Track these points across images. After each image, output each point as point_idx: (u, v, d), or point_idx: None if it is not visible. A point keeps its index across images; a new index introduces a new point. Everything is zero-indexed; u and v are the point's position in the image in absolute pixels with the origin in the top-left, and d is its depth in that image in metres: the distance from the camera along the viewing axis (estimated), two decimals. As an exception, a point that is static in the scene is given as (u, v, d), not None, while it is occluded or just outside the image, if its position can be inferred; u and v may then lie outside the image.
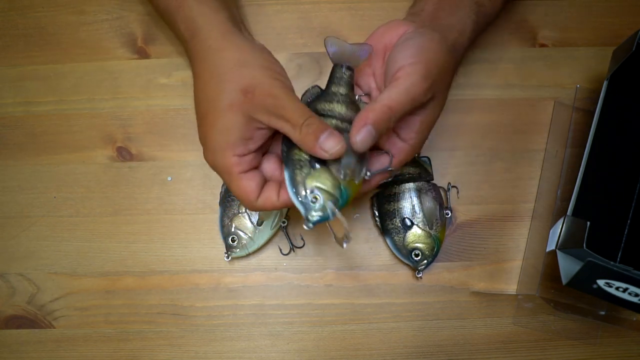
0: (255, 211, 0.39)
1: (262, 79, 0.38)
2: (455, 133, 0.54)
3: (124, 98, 0.54)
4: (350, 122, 0.39)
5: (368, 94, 0.44)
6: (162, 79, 0.54)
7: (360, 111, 0.37)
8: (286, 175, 0.38)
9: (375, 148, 0.40)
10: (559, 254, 0.43)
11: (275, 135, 0.41)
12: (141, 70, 0.54)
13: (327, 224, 0.37)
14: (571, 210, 0.44)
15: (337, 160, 0.37)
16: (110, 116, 0.54)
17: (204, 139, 0.40)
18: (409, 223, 0.51)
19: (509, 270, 0.53)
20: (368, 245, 0.53)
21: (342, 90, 0.40)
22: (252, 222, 0.50)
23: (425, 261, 0.50)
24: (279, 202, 0.39)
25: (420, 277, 0.51)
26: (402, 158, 0.40)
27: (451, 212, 0.53)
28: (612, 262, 0.40)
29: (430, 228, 0.51)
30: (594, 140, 0.46)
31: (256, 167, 0.40)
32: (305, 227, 0.37)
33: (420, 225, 0.51)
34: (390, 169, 0.40)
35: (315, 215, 0.36)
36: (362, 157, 0.38)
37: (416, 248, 0.50)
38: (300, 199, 0.37)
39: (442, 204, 0.52)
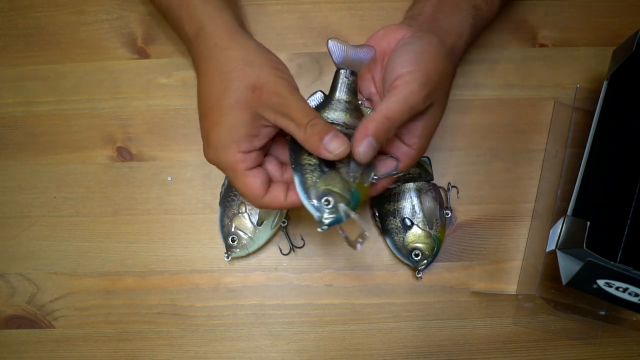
0: (262, 208, 0.39)
1: (268, 78, 0.38)
2: (455, 133, 0.54)
3: (124, 98, 0.54)
4: (354, 128, 0.39)
5: (369, 99, 0.44)
6: (162, 79, 0.54)
7: (360, 122, 0.37)
8: (296, 180, 0.38)
9: (381, 152, 0.40)
10: (559, 254, 0.43)
11: (275, 138, 0.41)
12: (141, 70, 0.54)
13: (338, 227, 0.37)
14: (571, 210, 0.44)
15: (345, 164, 0.37)
16: (110, 116, 0.54)
17: (207, 137, 0.40)
18: (409, 223, 0.51)
19: (509, 270, 0.53)
20: (368, 245, 0.53)
21: (345, 97, 0.40)
22: (252, 222, 0.51)
23: (425, 261, 0.50)
24: (287, 202, 0.39)
25: (420, 277, 0.52)
26: (408, 162, 0.41)
27: (451, 212, 0.53)
28: (612, 262, 0.40)
29: (430, 228, 0.51)
30: (594, 140, 0.46)
31: (260, 165, 0.40)
32: (319, 229, 0.37)
33: (420, 225, 0.51)
34: (396, 172, 0.40)
35: (328, 217, 0.36)
36: (369, 162, 0.38)
37: (416, 248, 0.50)
38: (312, 202, 0.37)
39: (442, 204, 0.52)
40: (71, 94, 0.54)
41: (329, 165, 0.38)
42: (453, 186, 0.53)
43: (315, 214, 0.37)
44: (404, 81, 0.37)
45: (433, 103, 0.39)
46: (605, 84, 0.48)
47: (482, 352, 0.52)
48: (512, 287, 0.52)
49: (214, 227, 0.52)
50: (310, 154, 0.38)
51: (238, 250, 0.50)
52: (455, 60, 0.44)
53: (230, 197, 0.51)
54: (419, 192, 0.51)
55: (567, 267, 0.43)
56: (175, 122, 0.54)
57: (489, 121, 0.54)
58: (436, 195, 0.51)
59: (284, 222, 0.52)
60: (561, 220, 0.44)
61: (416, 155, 0.41)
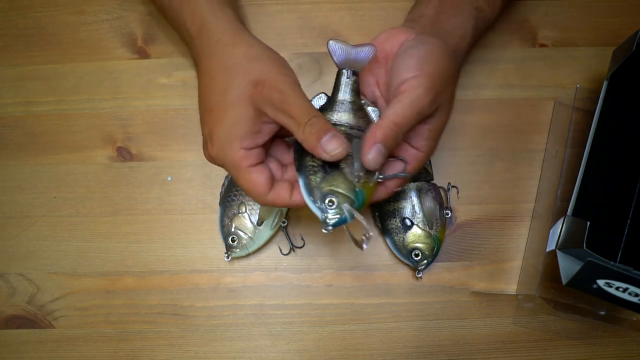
0: (266, 205, 0.39)
1: (270, 74, 0.38)
2: (455, 133, 0.54)
3: (124, 98, 0.54)
4: (359, 128, 0.39)
5: (374, 103, 0.44)
6: (162, 79, 0.54)
7: (368, 129, 0.37)
8: (301, 181, 0.38)
9: (390, 156, 0.40)
10: (559, 254, 0.43)
11: (275, 137, 0.41)
12: (141, 70, 0.54)
13: (345, 227, 0.37)
14: (571, 210, 0.44)
15: (349, 164, 0.37)
16: (110, 116, 0.54)
17: (210, 134, 0.39)
18: (409, 223, 0.51)
19: (509, 270, 0.53)
20: (368, 245, 0.53)
21: (348, 97, 0.40)
22: (252, 222, 0.51)
23: (425, 261, 0.50)
24: (292, 200, 0.39)
25: (420, 277, 0.51)
26: (416, 165, 0.41)
27: (451, 212, 0.53)
28: (612, 262, 0.40)
29: (430, 228, 0.51)
30: (594, 140, 0.46)
31: (263, 162, 0.40)
32: (324, 230, 0.37)
33: (420, 225, 0.51)
34: (404, 174, 0.40)
35: (332, 218, 0.36)
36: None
37: (416, 248, 0.50)
38: (316, 203, 0.37)
39: (442, 204, 0.52)
40: (71, 94, 0.54)
41: (332, 165, 0.38)
42: (453, 186, 0.53)
43: (320, 215, 0.37)
44: (409, 86, 0.37)
45: (439, 106, 0.39)
46: (605, 84, 0.48)
47: (482, 352, 0.52)
48: (512, 287, 0.52)
49: (214, 227, 0.52)
50: (314, 155, 0.38)
51: (238, 250, 0.50)
52: (458, 62, 0.44)
53: (230, 197, 0.51)
54: (419, 192, 0.51)
55: (567, 267, 0.43)
56: (175, 122, 0.54)
57: (489, 121, 0.54)
58: (436, 195, 0.51)
59: (284, 222, 0.52)
60: (561, 220, 0.44)
61: (424, 158, 0.41)
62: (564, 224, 0.44)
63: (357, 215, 0.36)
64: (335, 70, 0.41)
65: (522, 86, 0.54)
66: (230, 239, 0.50)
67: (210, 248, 0.52)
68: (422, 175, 0.51)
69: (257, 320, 0.52)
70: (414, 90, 0.37)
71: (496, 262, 0.53)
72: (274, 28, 0.55)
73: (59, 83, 0.54)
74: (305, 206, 0.38)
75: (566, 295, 0.49)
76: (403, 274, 0.52)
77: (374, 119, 0.41)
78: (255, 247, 0.51)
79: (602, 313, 0.49)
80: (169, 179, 0.53)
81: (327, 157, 0.36)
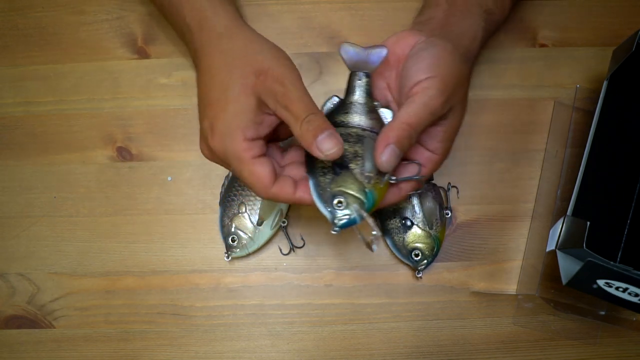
0: (269, 199, 0.38)
1: (274, 65, 0.38)
2: (455, 133, 0.54)
3: (124, 98, 0.54)
4: (371, 130, 0.39)
5: (387, 107, 0.44)
6: (162, 79, 0.54)
7: (381, 130, 0.37)
8: (310, 182, 0.38)
9: (404, 159, 0.40)
10: (559, 254, 0.43)
11: (269, 144, 0.41)
12: (141, 70, 0.54)
13: (355, 228, 0.37)
14: (571, 210, 0.44)
15: (360, 164, 0.37)
16: (110, 116, 0.54)
17: (211, 126, 0.39)
18: (409, 223, 0.51)
19: (509, 270, 0.53)
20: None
21: (360, 99, 0.40)
22: (252, 222, 0.51)
23: (425, 261, 0.50)
24: (295, 197, 0.38)
25: (420, 277, 0.52)
26: (432, 167, 0.41)
27: (451, 212, 0.53)
28: (612, 262, 0.40)
29: (430, 228, 0.51)
30: (594, 140, 0.46)
31: (265, 155, 0.39)
32: (332, 232, 0.36)
33: (420, 225, 0.51)
34: (419, 177, 0.40)
35: (341, 219, 0.36)
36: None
37: (416, 248, 0.50)
38: (325, 204, 0.37)
39: (442, 204, 0.52)
40: (71, 94, 0.54)
41: (342, 166, 0.37)
42: (453, 186, 0.53)
43: (328, 216, 0.37)
44: (422, 87, 0.37)
45: (452, 107, 0.39)
46: (605, 84, 0.48)
47: (482, 352, 0.52)
48: (512, 287, 0.52)
49: (214, 227, 0.52)
50: None
51: (238, 250, 0.50)
52: (470, 64, 0.44)
53: (230, 197, 0.51)
54: (419, 192, 0.51)
55: (567, 267, 0.43)
56: (175, 122, 0.54)
57: (489, 121, 0.54)
58: (436, 195, 0.51)
59: (284, 222, 0.52)
60: (561, 220, 0.44)
61: (439, 161, 0.41)
62: (564, 224, 0.44)
63: (367, 218, 0.36)
64: (345, 72, 0.41)
65: (522, 86, 0.54)
66: (230, 239, 0.50)
67: (210, 248, 0.52)
68: (422, 175, 0.51)
69: (257, 320, 0.52)
70: (427, 92, 0.37)
71: (496, 262, 0.53)
72: (274, 28, 0.55)
73: (59, 83, 0.54)
74: (308, 204, 0.38)
75: (566, 295, 0.49)
76: (403, 274, 0.52)
77: (387, 120, 0.40)
78: (255, 247, 0.51)
79: (602, 313, 0.49)
80: (169, 179, 0.53)
81: (321, 156, 0.36)
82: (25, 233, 0.53)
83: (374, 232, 0.36)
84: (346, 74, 0.55)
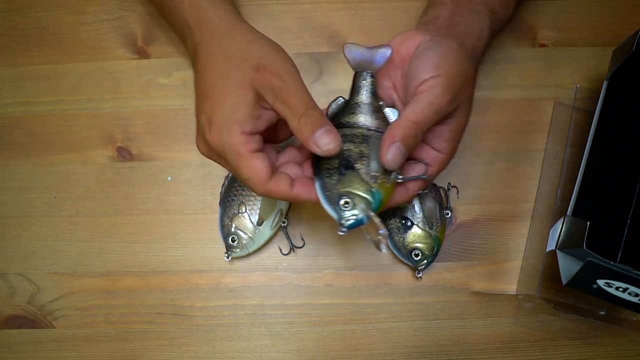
0: (264, 195, 0.38)
1: (273, 60, 0.38)
2: (455, 133, 0.54)
3: (124, 98, 0.54)
4: (376, 130, 0.39)
5: (392, 106, 0.43)
6: (162, 79, 0.54)
7: (387, 128, 0.37)
8: (317, 184, 0.38)
9: (411, 159, 0.40)
10: (559, 254, 0.43)
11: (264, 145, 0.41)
12: (141, 70, 0.54)
13: (363, 229, 0.37)
14: (571, 210, 0.44)
15: (365, 164, 0.37)
16: (110, 116, 0.54)
17: (208, 120, 0.38)
18: (409, 223, 0.51)
19: (509, 270, 0.53)
20: (368, 245, 0.53)
21: (365, 99, 0.40)
22: (252, 222, 0.51)
23: (425, 261, 0.50)
24: (292, 193, 0.38)
25: (420, 277, 0.52)
26: (439, 167, 0.41)
27: (451, 212, 0.53)
28: (612, 262, 0.40)
29: (430, 228, 0.51)
30: (594, 140, 0.46)
31: (262, 151, 0.39)
32: (339, 232, 0.36)
33: (420, 225, 0.51)
34: (426, 177, 0.40)
35: (348, 219, 0.36)
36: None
37: (416, 248, 0.50)
38: (332, 205, 0.37)
39: (442, 204, 0.52)
40: (71, 94, 0.54)
41: (348, 167, 0.37)
42: (453, 186, 0.53)
43: (335, 217, 0.37)
44: (428, 86, 0.37)
45: (459, 106, 0.39)
46: (605, 84, 0.48)
47: (482, 352, 0.52)
48: (512, 287, 0.52)
49: (214, 227, 0.52)
50: (329, 158, 0.38)
51: (238, 250, 0.50)
52: (475, 63, 0.44)
53: (230, 197, 0.51)
54: (419, 192, 0.51)
55: (567, 267, 0.43)
56: (175, 122, 0.54)
57: (489, 121, 0.54)
58: (436, 195, 0.52)
59: (284, 222, 0.52)
60: (561, 220, 0.44)
61: (446, 160, 0.41)
62: (564, 224, 0.44)
63: (374, 218, 0.36)
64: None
65: (522, 86, 0.54)
66: (230, 239, 0.50)
67: (210, 248, 0.52)
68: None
69: (257, 320, 0.52)
70: (433, 90, 0.37)
71: (496, 262, 0.53)
72: (274, 28, 0.55)
73: (59, 83, 0.54)
74: (304, 201, 0.38)
75: (566, 295, 0.49)
76: (403, 274, 0.52)
77: (393, 120, 0.40)
78: (255, 247, 0.51)
79: (602, 313, 0.49)
80: (169, 179, 0.53)
81: (319, 151, 0.36)
82: (25, 233, 0.53)
83: (381, 232, 0.36)
84: (346, 74, 0.55)
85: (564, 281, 0.43)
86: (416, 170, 0.40)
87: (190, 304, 0.52)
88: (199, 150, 0.41)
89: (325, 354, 0.51)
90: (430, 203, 0.51)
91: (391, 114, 0.40)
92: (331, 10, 0.55)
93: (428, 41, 0.40)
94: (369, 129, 0.39)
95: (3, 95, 0.54)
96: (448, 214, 0.52)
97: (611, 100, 0.47)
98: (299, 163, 0.41)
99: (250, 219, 0.51)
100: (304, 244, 0.53)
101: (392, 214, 0.51)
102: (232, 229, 0.50)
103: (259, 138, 0.39)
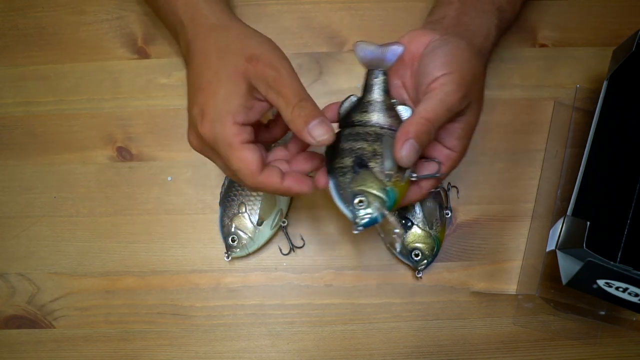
0: (255, 187, 0.38)
1: (266, 51, 0.38)
2: (455, 133, 0.54)
3: (124, 98, 0.54)
4: (389, 128, 0.39)
5: (404, 104, 0.44)
6: (162, 79, 0.54)
7: (400, 126, 0.37)
8: (330, 183, 0.38)
9: (423, 157, 0.40)
10: (559, 254, 0.43)
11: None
12: (141, 70, 0.54)
13: (377, 227, 0.37)
14: (571, 210, 0.44)
15: (379, 162, 0.37)
16: (110, 116, 0.54)
17: (201, 111, 0.38)
18: (409, 223, 0.51)
19: (509, 270, 0.53)
20: (368, 245, 0.53)
21: (378, 97, 0.40)
22: (252, 222, 0.51)
23: (425, 261, 0.50)
24: (283, 186, 0.38)
25: (420, 277, 0.52)
26: (451, 164, 0.41)
27: (451, 212, 0.53)
28: (612, 262, 0.40)
29: (430, 228, 0.51)
30: (594, 140, 0.46)
31: (254, 143, 0.39)
32: (354, 231, 0.36)
33: (420, 225, 0.51)
34: (438, 175, 0.40)
35: (363, 218, 0.36)
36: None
37: (416, 248, 0.50)
38: (346, 204, 0.37)
39: (442, 204, 0.52)
40: (71, 94, 0.54)
41: (362, 165, 0.37)
42: (453, 186, 0.53)
43: (350, 216, 0.37)
44: (439, 83, 0.37)
45: (470, 104, 0.39)
46: (605, 84, 0.48)
47: (482, 352, 0.52)
48: (512, 287, 0.52)
49: (214, 227, 0.52)
50: (343, 157, 0.38)
51: (238, 250, 0.50)
52: (484, 61, 0.44)
53: (230, 197, 0.51)
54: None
55: (567, 267, 0.43)
56: (175, 122, 0.54)
57: (489, 121, 0.54)
58: (436, 195, 0.52)
59: (284, 222, 0.52)
60: (561, 220, 0.44)
61: (458, 158, 0.41)
62: (564, 224, 0.44)
63: (389, 216, 0.36)
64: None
65: (522, 86, 0.54)
66: (230, 239, 0.50)
67: (210, 248, 0.52)
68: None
69: (257, 320, 0.52)
70: (445, 87, 0.37)
71: (496, 262, 0.53)
72: (274, 28, 0.55)
73: (59, 83, 0.54)
74: (295, 194, 0.38)
75: (566, 295, 0.49)
76: (403, 274, 0.52)
77: (405, 118, 0.40)
78: (255, 247, 0.51)
79: (602, 313, 0.49)
80: (169, 179, 0.53)
81: (313, 142, 0.36)
82: (25, 233, 0.53)
83: (396, 231, 0.36)
84: (346, 73, 0.55)
85: (564, 281, 0.43)
86: (429, 168, 0.40)
87: (190, 304, 0.52)
88: (191, 144, 0.41)
89: (325, 354, 0.51)
90: (430, 203, 0.51)
91: (404, 111, 0.40)
92: (331, 10, 0.55)
93: (437, 40, 0.41)
94: (382, 127, 0.39)
95: (3, 95, 0.54)
96: (448, 214, 0.52)
97: (611, 100, 0.47)
98: (287, 161, 0.42)
99: (250, 219, 0.51)
100: (304, 244, 0.53)
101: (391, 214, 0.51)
102: (232, 229, 0.50)
103: (251, 129, 0.39)
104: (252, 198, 0.51)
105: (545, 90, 0.54)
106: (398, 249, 0.36)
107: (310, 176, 0.40)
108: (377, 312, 0.52)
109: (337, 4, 0.55)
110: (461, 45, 0.40)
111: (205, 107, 0.38)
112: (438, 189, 0.52)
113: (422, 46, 0.41)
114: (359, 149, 0.38)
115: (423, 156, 0.40)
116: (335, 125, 0.41)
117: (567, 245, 0.43)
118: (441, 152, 0.41)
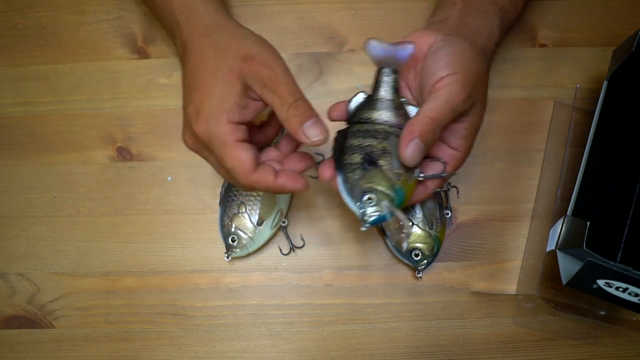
0: (249, 186, 0.38)
1: (261, 51, 0.39)
2: (455, 133, 0.54)
3: (124, 98, 0.54)
4: (398, 126, 0.39)
5: (413, 104, 0.44)
6: (162, 79, 0.54)
7: (405, 125, 0.37)
8: (339, 179, 0.38)
9: (428, 157, 0.41)
10: (559, 254, 0.43)
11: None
12: (141, 70, 0.54)
13: (386, 226, 0.37)
14: (571, 210, 0.44)
15: (388, 161, 0.37)
16: (110, 116, 0.54)
17: (196, 110, 0.38)
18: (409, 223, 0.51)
19: (509, 270, 0.53)
20: (368, 245, 0.53)
21: (387, 95, 0.40)
22: (252, 222, 0.51)
23: (425, 261, 0.50)
24: (277, 184, 0.38)
25: (420, 277, 0.52)
26: (455, 164, 0.41)
27: (451, 212, 0.53)
28: (612, 262, 0.40)
29: (430, 228, 0.51)
30: (594, 140, 0.46)
31: (248, 142, 0.39)
32: (362, 228, 0.36)
33: (420, 225, 0.51)
34: (445, 175, 0.40)
35: (371, 215, 0.36)
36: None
37: (416, 248, 0.50)
38: (355, 200, 0.37)
39: (442, 204, 0.52)
40: (71, 94, 0.54)
41: (371, 163, 0.38)
42: (453, 186, 0.53)
43: (358, 213, 0.37)
44: (444, 83, 0.38)
45: (474, 104, 0.39)
46: (605, 84, 0.48)
47: (482, 352, 0.52)
48: (512, 287, 0.52)
49: (214, 227, 0.52)
50: (352, 153, 0.38)
51: (238, 250, 0.50)
52: (487, 61, 0.44)
53: (230, 197, 0.51)
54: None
55: (567, 267, 0.43)
56: (176, 122, 0.54)
57: (489, 121, 0.54)
58: (436, 196, 0.52)
59: (284, 222, 0.52)
60: (561, 220, 0.44)
61: (462, 158, 0.41)
62: (564, 224, 0.44)
63: (398, 214, 0.36)
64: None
65: (522, 86, 0.54)
66: (230, 239, 0.50)
67: (210, 248, 0.52)
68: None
69: (257, 320, 0.52)
70: (449, 87, 0.37)
71: (496, 262, 0.53)
72: (274, 28, 0.55)
73: (59, 83, 0.54)
74: (289, 192, 0.38)
75: (566, 295, 0.49)
76: (403, 274, 0.52)
77: None
78: (255, 247, 0.51)
79: (602, 313, 0.49)
80: (169, 179, 0.53)
81: (307, 142, 0.36)
82: (25, 233, 0.53)
83: (405, 230, 0.36)
84: (346, 73, 0.55)
85: (564, 281, 0.43)
86: (434, 168, 0.41)
87: (190, 304, 0.52)
88: (186, 143, 0.41)
89: (325, 354, 0.51)
90: (430, 203, 0.51)
91: (413, 112, 0.40)
92: (331, 10, 0.55)
93: (441, 40, 0.41)
94: (391, 126, 0.39)
95: (3, 95, 0.54)
96: (448, 214, 0.52)
97: (611, 100, 0.47)
98: (280, 162, 0.42)
99: (250, 219, 0.51)
100: (304, 244, 0.53)
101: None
102: (232, 229, 0.50)
103: (245, 128, 0.39)
104: (252, 198, 0.51)
105: (546, 90, 0.54)
106: (405, 248, 0.36)
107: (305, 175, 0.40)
108: (377, 312, 0.52)
109: (337, 4, 0.55)
110: (465, 45, 0.40)
111: (200, 106, 0.38)
112: (438, 189, 0.52)
113: (425, 46, 0.41)
114: (367, 146, 0.38)
115: (428, 156, 0.40)
116: (342, 123, 0.41)
117: (567, 245, 0.43)
118: (446, 152, 0.41)
